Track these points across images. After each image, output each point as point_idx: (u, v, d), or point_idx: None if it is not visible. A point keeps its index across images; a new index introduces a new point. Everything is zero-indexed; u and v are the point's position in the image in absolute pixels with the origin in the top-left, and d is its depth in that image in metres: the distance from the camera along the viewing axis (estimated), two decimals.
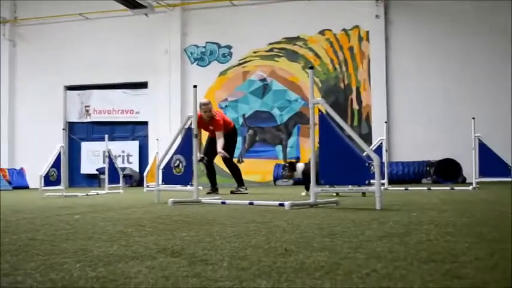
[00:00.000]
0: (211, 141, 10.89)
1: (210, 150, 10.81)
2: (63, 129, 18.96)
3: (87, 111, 20.65)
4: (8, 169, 19.43)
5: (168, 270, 1.96)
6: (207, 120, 10.60)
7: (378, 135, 13.16)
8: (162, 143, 14.09)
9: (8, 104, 21.08)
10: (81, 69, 20.25)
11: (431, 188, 10.81)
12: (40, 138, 19.87)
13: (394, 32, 17.83)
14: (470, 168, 10.90)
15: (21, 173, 19.59)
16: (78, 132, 20.83)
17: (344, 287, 1.62)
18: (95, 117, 20.55)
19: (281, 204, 5.40)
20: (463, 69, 17.00)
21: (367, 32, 18.02)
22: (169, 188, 8.11)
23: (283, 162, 17.90)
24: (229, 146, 10.81)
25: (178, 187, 8.23)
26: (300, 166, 8.09)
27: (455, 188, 10.54)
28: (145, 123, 19.99)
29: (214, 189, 10.98)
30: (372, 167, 5.07)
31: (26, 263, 2.21)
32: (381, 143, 11.18)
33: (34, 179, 15.64)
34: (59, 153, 10.57)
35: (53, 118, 20.32)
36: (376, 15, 17.75)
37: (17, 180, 18.86)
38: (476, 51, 16.96)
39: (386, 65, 17.73)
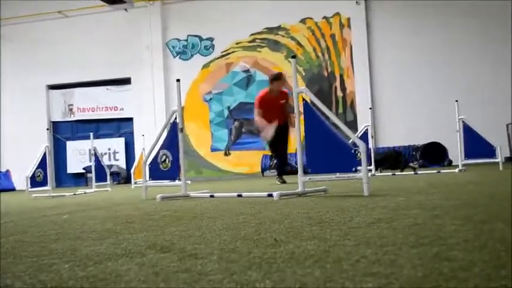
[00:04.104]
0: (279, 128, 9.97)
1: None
2: (47, 129, 18.84)
3: (70, 109, 20.53)
4: None
5: (158, 266, 1.95)
6: (277, 94, 9.94)
7: (363, 122, 13.21)
8: (148, 138, 14.06)
9: None
10: (63, 68, 20.09)
11: (418, 172, 10.86)
12: (24, 139, 19.71)
13: (375, 17, 17.84)
14: (456, 150, 10.96)
15: (7, 175, 19.44)
16: (62, 132, 20.71)
17: (334, 274, 1.62)
18: (78, 116, 20.44)
19: (270, 195, 5.41)
20: (445, 52, 17.06)
21: (348, 19, 18.02)
22: (157, 183, 8.09)
23: (270, 153, 17.94)
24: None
25: (166, 182, 8.22)
26: None
27: (442, 171, 10.60)
28: (130, 119, 19.91)
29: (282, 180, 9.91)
30: (358, 154, 5.09)
31: (14, 265, 2.20)
32: (367, 130, 11.23)
33: (20, 181, 15.55)
34: (44, 154, 10.52)
35: (37, 118, 20.17)
36: (357, 2, 17.75)
37: (3, 183, 18.72)
38: (459, 34, 17.00)
39: (369, 51, 17.76)
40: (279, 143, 10.05)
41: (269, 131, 9.79)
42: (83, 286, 1.71)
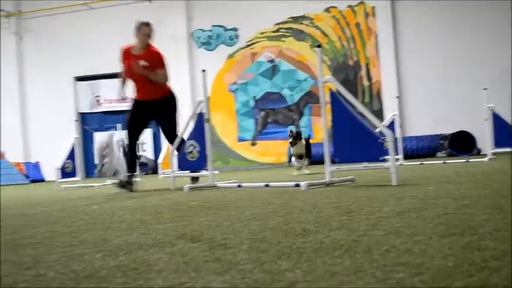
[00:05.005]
0: (140, 106, 8.06)
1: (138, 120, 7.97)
2: (76, 120, 19.04)
3: (97, 101, 20.70)
4: (24, 163, 19.56)
5: (188, 256, 1.97)
6: (140, 51, 7.87)
7: (390, 111, 13.12)
8: None
9: (18, 98, 21.18)
10: (89, 59, 20.24)
11: (447, 161, 10.76)
12: (53, 131, 19.97)
13: (400, 5, 17.66)
14: (484, 139, 10.83)
15: (37, 166, 19.71)
16: (90, 123, 20.89)
17: (364, 264, 1.62)
18: (106, 107, 20.60)
19: (297, 185, 5.40)
20: (472, 39, 16.84)
21: (373, 8, 17.88)
22: (184, 173, 8.13)
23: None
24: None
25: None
26: None
27: (471, 160, 10.48)
28: None
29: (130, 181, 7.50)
30: (386, 143, 5.06)
31: (47, 255, 2.23)
32: (394, 119, 11.13)
33: (49, 172, 15.75)
34: (74, 145, 10.64)
35: (65, 110, 20.40)
36: None
37: (33, 174, 18.98)
38: (486, 21, 16.76)
39: (395, 39, 17.60)
40: (165, 127, 7.82)
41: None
42: (115, 275, 1.73)
